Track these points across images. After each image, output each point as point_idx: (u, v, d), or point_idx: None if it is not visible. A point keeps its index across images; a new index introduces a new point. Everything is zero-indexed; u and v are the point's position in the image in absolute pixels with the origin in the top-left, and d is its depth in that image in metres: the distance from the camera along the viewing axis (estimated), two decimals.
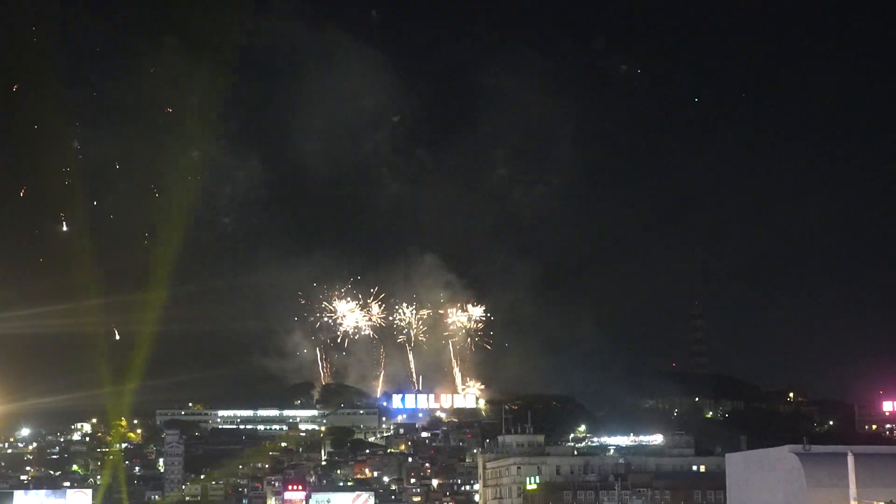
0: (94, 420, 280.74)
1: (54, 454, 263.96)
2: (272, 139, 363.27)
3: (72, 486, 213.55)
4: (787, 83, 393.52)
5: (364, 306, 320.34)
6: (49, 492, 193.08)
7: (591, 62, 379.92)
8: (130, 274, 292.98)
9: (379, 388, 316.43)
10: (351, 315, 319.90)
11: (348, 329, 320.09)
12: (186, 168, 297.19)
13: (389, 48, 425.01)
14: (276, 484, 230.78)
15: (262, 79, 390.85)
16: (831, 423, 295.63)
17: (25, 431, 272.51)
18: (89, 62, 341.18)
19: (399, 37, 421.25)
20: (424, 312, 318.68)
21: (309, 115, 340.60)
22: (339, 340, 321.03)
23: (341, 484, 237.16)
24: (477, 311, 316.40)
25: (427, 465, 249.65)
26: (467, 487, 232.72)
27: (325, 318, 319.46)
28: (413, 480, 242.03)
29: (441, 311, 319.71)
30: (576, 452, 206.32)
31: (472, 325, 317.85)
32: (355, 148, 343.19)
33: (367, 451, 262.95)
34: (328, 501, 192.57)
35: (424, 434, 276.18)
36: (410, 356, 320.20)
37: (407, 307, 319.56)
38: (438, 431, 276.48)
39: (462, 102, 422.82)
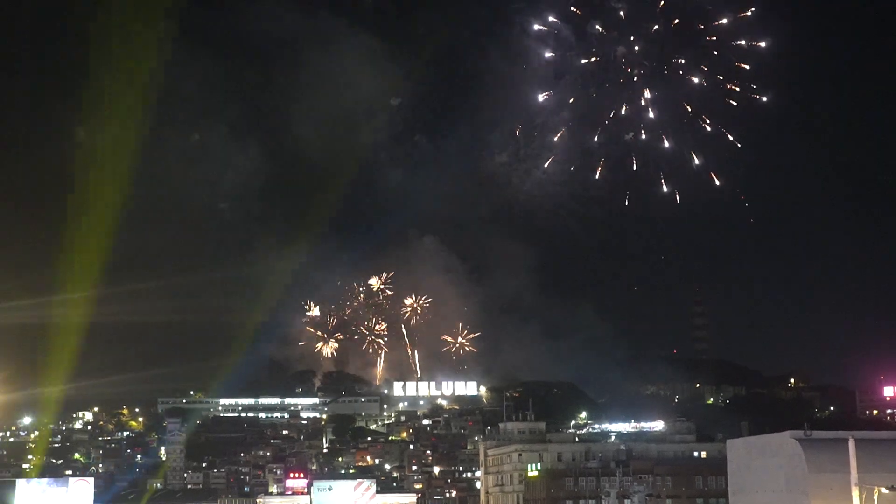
0: (96, 409, 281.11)
1: (56, 443, 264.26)
2: (271, 126, 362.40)
3: (74, 475, 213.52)
4: None
5: (365, 293, 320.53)
6: (51, 480, 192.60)
7: (588, 47, 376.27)
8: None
9: (379, 376, 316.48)
10: (352, 302, 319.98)
11: (349, 316, 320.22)
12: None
13: (386, 34, 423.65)
14: (278, 472, 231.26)
15: (260, 66, 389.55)
16: (832, 408, 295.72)
17: (27, 420, 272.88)
18: None
19: (395, 22, 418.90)
20: (426, 298, 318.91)
21: (307, 102, 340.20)
22: (340, 328, 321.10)
23: (343, 471, 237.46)
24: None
25: (428, 452, 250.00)
26: (469, 474, 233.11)
27: (326, 305, 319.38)
28: (414, 468, 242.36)
29: (443, 297, 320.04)
30: (577, 439, 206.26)
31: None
32: (354, 134, 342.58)
33: (369, 438, 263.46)
34: (330, 489, 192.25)
35: (426, 421, 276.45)
36: (411, 343, 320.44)
37: (409, 293, 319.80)
38: (440, 419, 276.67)
39: (460, 88, 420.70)
